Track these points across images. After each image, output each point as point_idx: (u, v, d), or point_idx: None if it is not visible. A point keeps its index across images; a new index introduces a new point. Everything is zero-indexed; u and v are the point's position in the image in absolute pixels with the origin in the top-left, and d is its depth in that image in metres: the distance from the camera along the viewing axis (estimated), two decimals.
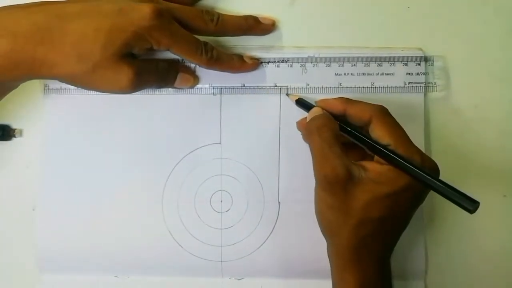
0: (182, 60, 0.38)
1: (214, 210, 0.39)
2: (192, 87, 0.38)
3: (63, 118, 0.39)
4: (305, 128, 0.35)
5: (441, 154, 0.39)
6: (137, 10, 0.32)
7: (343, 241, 0.32)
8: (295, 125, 0.38)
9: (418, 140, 0.38)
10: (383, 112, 0.33)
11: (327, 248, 0.34)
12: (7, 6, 0.33)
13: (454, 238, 0.39)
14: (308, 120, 0.35)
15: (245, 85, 0.39)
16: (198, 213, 0.39)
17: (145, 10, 0.32)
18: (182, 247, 0.38)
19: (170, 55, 0.36)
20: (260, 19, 0.38)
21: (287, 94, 0.38)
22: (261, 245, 0.39)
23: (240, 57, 0.38)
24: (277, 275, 0.39)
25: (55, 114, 0.39)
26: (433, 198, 0.39)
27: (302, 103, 0.37)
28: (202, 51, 0.35)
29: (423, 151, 0.38)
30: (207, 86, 0.38)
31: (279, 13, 0.40)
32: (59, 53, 0.31)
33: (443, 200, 0.39)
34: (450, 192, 0.29)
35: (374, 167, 0.31)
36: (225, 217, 0.39)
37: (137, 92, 0.38)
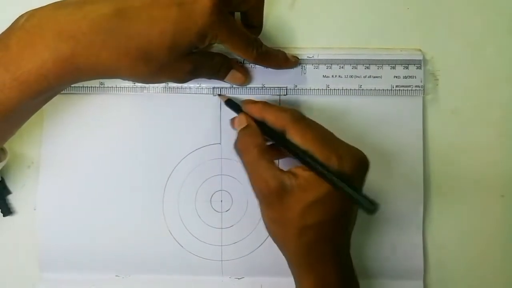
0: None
1: (214, 209, 0.39)
2: (242, 85, 0.38)
3: (64, 118, 0.39)
4: (234, 147, 0.34)
5: (439, 155, 0.39)
6: (197, 3, 0.29)
7: (291, 249, 0.32)
8: None
9: (416, 140, 0.38)
10: (295, 118, 0.32)
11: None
12: (59, 3, 0.30)
13: (453, 237, 0.39)
14: (236, 128, 0.34)
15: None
16: (199, 212, 0.39)
17: (205, 3, 0.29)
18: (182, 246, 0.39)
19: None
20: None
21: (219, 95, 0.38)
22: (261, 244, 0.39)
23: (284, 54, 0.38)
24: (276, 274, 0.39)
25: (56, 114, 0.39)
26: (431, 198, 0.39)
27: (231, 105, 0.37)
28: (253, 47, 0.34)
29: (421, 151, 0.38)
30: (207, 86, 0.39)
31: (280, 14, 0.40)
32: (124, 58, 0.29)
33: (442, 200, 0.39)
34: (353, 193, 0.29)
35: (303, 174, 0.31)
36: (225, 216, 0.39)
37: (137, 93, 0.39)
